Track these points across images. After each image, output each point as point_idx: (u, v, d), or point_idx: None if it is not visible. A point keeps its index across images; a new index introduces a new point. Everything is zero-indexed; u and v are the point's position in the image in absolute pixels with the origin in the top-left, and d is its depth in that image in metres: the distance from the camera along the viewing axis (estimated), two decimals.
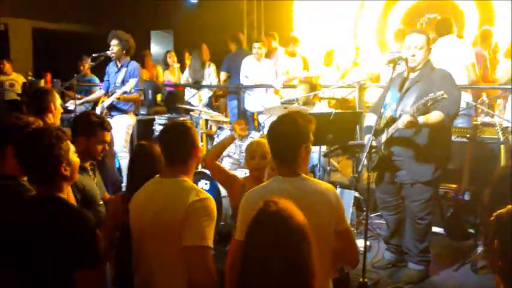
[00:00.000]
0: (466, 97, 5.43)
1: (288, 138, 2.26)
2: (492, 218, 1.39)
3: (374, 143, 3.73)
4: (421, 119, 3.39)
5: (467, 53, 5.40)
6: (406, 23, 8.36)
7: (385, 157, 3.75)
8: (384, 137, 3.70)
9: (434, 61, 3.84)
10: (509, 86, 5.17)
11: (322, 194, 2.20)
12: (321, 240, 1.97)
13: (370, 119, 3.93)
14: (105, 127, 3.02)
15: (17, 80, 8.24)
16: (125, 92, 5.21)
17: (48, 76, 7.35)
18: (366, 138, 3.70)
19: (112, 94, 5.33)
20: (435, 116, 3.45)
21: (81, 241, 1.95)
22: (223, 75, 7.18)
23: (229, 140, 3.36)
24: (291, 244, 1.50)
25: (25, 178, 2.39)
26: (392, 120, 3.64)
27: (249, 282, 1.52)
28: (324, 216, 2.16)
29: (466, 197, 4.19)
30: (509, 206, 1.41)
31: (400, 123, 3.42)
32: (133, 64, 5.51)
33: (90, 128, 2.94)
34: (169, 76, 7.82)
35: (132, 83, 5.20)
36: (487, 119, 5.42)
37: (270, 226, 1.52)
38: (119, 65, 5.51)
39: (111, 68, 5.64)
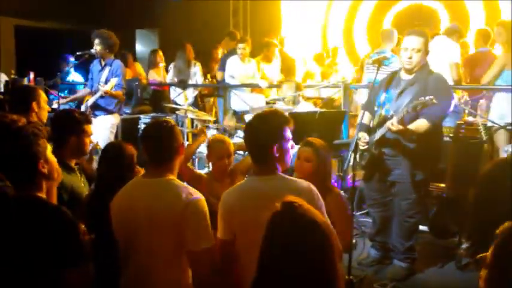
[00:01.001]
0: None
1: (259, 138, 2.26)
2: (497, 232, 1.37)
3: (366, 139, 3.76)
4: (411, 127, 3.45)
5: (452, 52, 5.47)
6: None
7: (376, 156, 3.77)
8: (376, 136, 3.73)
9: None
10: (493, 87, 5.24)
11: (298, 192, 2.16)
12: None
13: (364, 117, 3.93)
14: (89, 120, 3.09)
15: (1, 79, 8.12)
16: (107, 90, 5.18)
17: (32, 74, 7.25)
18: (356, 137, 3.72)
19: (95, 93, 5.30)
20: (420, 124, 3.50)
21: (62, 240, 1.91)
22: (219, 75, 7.14)
23: (200, 142, 3.40)
24: (316, 246, 1.47)
25: None
26: (385, 120, 3.66)
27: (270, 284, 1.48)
28: None
29: (450, 195, 4.24)
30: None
31: (389, 125, 3.46)
32: (117, 63, 5.49)
33: (78, 126, 2.96)
34: (155, 75, 7.78)
35: (113, 81, 5.19)
36: (470, 119, 5.49)
37: (293, 226, 1.48)
38: (103, 64, 5.48)
39: (94, 66, 5.61)
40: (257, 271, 1.51)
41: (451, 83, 5.30)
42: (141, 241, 2.26)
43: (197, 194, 2.23)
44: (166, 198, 2.22)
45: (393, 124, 3.44)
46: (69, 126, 2.93)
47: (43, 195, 2.06)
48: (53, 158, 2.11)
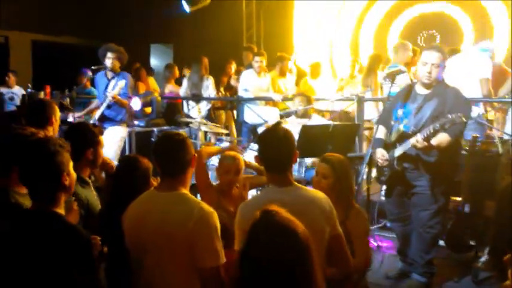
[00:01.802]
0: (478, 110, 5.43)
1: (283, 147, 2.31)
2: None
3: (386, 157, 3.74)
4: (434, 142, 3.43)
5: (484, 67, 5.40)
6: (404, 37, 8.39)
7: (398, 171, 3.76)
8: (396, 152, 3.71)
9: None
10: (509, 99, 5.20)
11: (316, 201, 2.26)
12: (316, 247, 2.04)
13: (380, 132, 3.95)
14: (102, 132, 3.15)
15: (18, 93, 8.25)
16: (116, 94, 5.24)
17: (48, 88, 7.35)
18: (370, 151, 3.71)
19: (102, 104, 5.37)
20: (443, 139, 3.47)
21: (74, 259, 1.92)
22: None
23: (221, 150, 3.41)
24: (295, 253, 1.48)
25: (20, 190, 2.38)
26: (404, 135, 3.65)
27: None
28: (319, 224, 2.22)
29: (466, 208, 4.18)
30: None
31: (413, 141, 3.44)
32: (124, 73, 5.57)
33: (94, 137, 2.97)
34: (172, 88, 7.86)
35: (121, 84, 5.25)
36: (486, 132, 5.43)
37: (272, 236, 1.50)
38: (110, 76, 5.53)
39: (100, 80, 5.66)
40: (237, 279, 1.52)
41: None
42: (151, 256, 2.24)
43: (209, 209, 2.22)
44: (176, 212, 2.21)
45: (418, 141, 3.42)
46: (86, 139, 2.95)
47: (61, 210, 2.07)
48: (73, 172, 2.13)
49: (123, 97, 5.37)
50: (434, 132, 3.40)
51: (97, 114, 5.41)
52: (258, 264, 1.49)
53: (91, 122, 5.42)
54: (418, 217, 3.85)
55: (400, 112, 3.79)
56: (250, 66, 7.11)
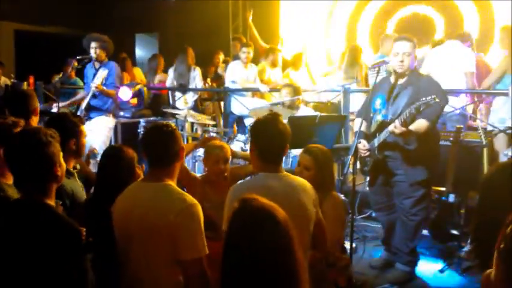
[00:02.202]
0: (461, 102, 5.49)
1: (277, 137, 2.36)
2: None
3: (367, 147, 3.77)
4: (411, 127, 3.48)
5: (468, 60, 5.46)
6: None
7: (379, 160, 3.80)
8: (376, 142, 3.75)
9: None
10: (492, 91, 5.26)
11: (304, 188, 2.36)
12: (304, 231, 2.21)
13: (357, 124, 4.01)
14: (83, 121, 3.17)
15: (1, 84, 8.11)
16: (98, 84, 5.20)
17: (31, 79, 7.25)
18: (356, 142, 3.75)
19: (88, 94, 5.32)
20: (421, 124, 3.55)
21: (64, 250, 1.91)
22: None
23: (201, 144, 3.46)
24: (275, 239, 1.49)
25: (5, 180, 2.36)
26: (383, 125, 3.70)
27: (231, 280, 1.50)
28: (308, 208, 2.30)
29: (450, 199, 4.24)
30: None
31: (391, 128, 3.49)
32: (111, 63, 5.52)
33: (75, 127, 2.97)
34: (162, 78, 7.81)
35: (103, 74, 5.22)
36: (470, 123, 5.50)
37: (252, 222, 1.51)
38: (97, 66, 5.49)
39: (88, 70, 5.62)
40: (221, 268, 1.52)
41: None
42: (136, 246, 2.24)
43: (192, 200, 2.21)
44: (159, 204, 2.21)
45: (396, 127, 3.47)
46: (68, 129, 2.92)
47: (52, 201, 2.05)
48: (63, 162, 2.12)
49: (110, 87, 5.32)
50: (411, 116, 3.46)
51: (83, 104, 5.37)
52: (238, 251, 1.49)
53: (78, 112, 5.38)
54: (402, 205, 3.90)
55: (377, 103, 3.87)
56: (238, 56, 7.09)
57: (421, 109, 3.38)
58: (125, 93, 5.63)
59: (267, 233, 1.49)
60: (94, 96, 5.27)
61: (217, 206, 2.93)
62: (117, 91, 5.44)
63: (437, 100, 3.33)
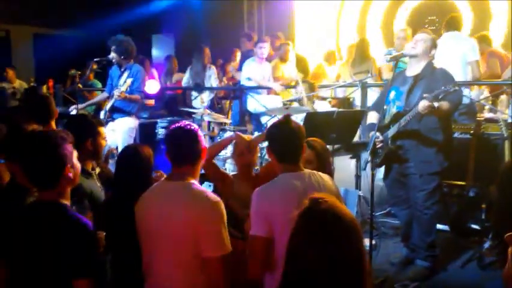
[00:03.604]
0: (469, 94, 5.43)
1: (291, 137, 2.40)
2: None
3: (380, 138, 3.78)
4: (436, 104, 3.47)
5: (470, 50, 5.39)
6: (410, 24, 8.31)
7: (392, 151, 3.79)
8: (390, 132, 3.75)
9: (436, 54, 3.91)
10: (510, 82, 5.16)
11: (328, 185, 2.38)
12: None
13: (372, 117, 3.99)
14: (102, 122, 3.19)
15: (20, 88, 8.25)
16: (125, 92, 5.23)
17: (51, 82, 7.36)
18: (370, 136, 3.74)
19: (113, 97, 5.36)
20: (446, 104, 3.56)
21: (78, 251, 1.93)
22: (238, 75, 7.16)
23: (228, 141, 3.40)
24: (348, 241, 1.45)
25: None
26: (400, 115, 3.70)
27: (298, 281, 1.45)
28: None
29: (471, 193, 4.18)
30: None
31: (420, 107, 3.48)
32: (136, 67, 5.53)
33: (93, 129, 3.01)
34: (179, 78, 7.87)
35: (128, 82, 5.24)
36: (490, 115, 5.40)
37: (326, 224, 1.46)
38: (122, 69, 5.53)
39: (114, 71, 5.66)
40: (285, 270, 1.48)
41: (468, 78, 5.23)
42: (159, 245, 2.26)
43: (215, 198, 2.23)
44: (182, 202, 2.23)
45: (424, 104, 3.45)
46: (85, 130, 2.97)
47: (67, 201, 2.08)
48: (77, 163, 2.14)
49: (135, 92, 5.35)
50: (434, 100, 3.48)
51: (107, 105, 5.42)
52: (310, 251, 1.44)
53: (101, 113, 5.47)
54: (415, 199, 3.88)
55: (391, 95, 3.87)
56: (246, 53, 7.10)
57: (440, 97, 3.42)
58: (153, 87, 5.70)
59: (339, 237, 1.45)
60: (117, 99, 5.31)
61: (246, 204, 2.94)
62: (141, 95, 5.49)
63: (456, 89, 3.40)
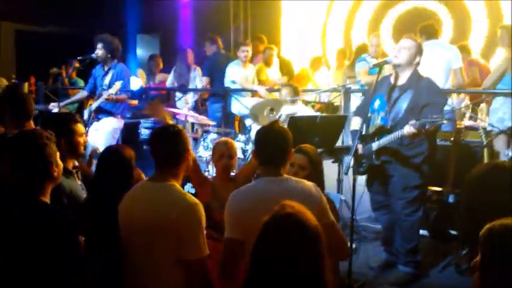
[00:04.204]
0: (451, 102, 5.51)
1: (281, 143, 2.37)
2: (484, 230, 1.37)
3: (360, 150, 3.78)
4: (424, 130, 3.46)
5: (453, 57, 5.46)
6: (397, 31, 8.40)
7: (376, 165, 3.80)
8: (374, 146, 3.75)
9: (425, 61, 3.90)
10: (493, 91, 5.25)
11: (307, 191, 2.31)
12: None
13: (355, 123, 4.01)
14: (76, 119, 3.08)
15: (0, 84, 8.11)
16: (112, 95, 5.19)
17: (32, 79, 7.26)
18: (352, 142, 3.76)
19: (99, 97, 5.31)
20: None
21: (63, 249, 1.93)
22: (205, 80, 7.09)
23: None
24: (308, 245, 1.48)
25: None
26: (384, 130, 3.70)
27: (260, 282, 1.49)
28: (312, 212, 2.19)
29: (450, 199, 4.24)
30: (504, 221, 1.38)
31: (405, 132, 3.47)
32: (121, 66, 5.49)
33: (65, 127, 2.95)
34: (163, 78, 7.82)
35: (117, 85, 5.19)
36: (470, 123, 5.49)
37: (288, 229, 1.50)
38: (106, 68, 5.48)
39: (97, 71, 5.61)
40: (249, 271, 1.52)
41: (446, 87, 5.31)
42: (138, 245, 2.26)
43: (193, 200, 2.22)
44: (161, 203, 2.22)
45: (409, 131, 3.45)
46: (57, 129, 2.93)
47: (47, 199, 2.08)
48: (60, 162, 2.15)
49: (122, 92, 5.32)
50: (406, 120, 3.51)
51: (93, 105, 5.38)
52: (269, 258, 1.49)
53: (85, 113, 5.42)
54: (394, 205, 3.91)
55: (376, 104, 3.85)
56: (212, 57, 7.09)
57: (427, 127, 3.37)
58: (135, 83, 5.67)
59: (301, 240, 1.48)
60: (104, 100, 5.26)
61: (224, 206, 2.95)
62: (128, 95, 5.45)
63: (444, 122, 3.39)
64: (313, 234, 1.50)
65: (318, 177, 2.93)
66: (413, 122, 3.42)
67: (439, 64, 5.35)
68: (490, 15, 7.79)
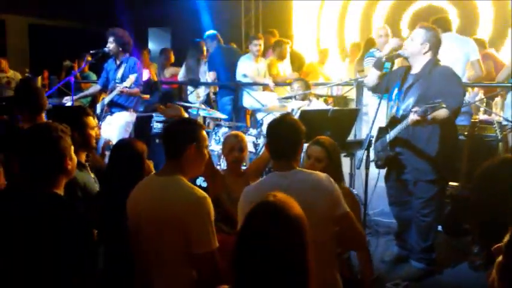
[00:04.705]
0: (470, 94, 5.41)
1: (292, 136, 2.35)
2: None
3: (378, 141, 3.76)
4: (429, 117, 3.35)
5: (471, 49, 5.34)
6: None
7: (391, 156, 3.78)
8: (388, 138, 3.72)
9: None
10: (508, 84, 5.17)
11: (316, 182, 2.26)
12: (319, 228, 2.07)
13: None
14: (88, 112, 3.10)
15: (15, 77, 8.19)
16: (126, 87, 5.21)
17: (46, 73, 7.32)
18: (369, 136, 3.71)
19: (112, 91, 5.33)
20: (440, 112, 3.41)
21: (77, 243, 1.94)
22: (211, 75, 7.02)
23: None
24: (287, 234, 1.48)
25: None
26: (395, 121, 3.66)
27: (243, 271, 1.50)
28: (321, 204, 2.20)
29: (464, 194, 4.19)
30: None
31: (410, 121, 3.40)
32: (133, 60, 5.51)
33: (76, 120, 2.96)
34: (174, 72, 7.83)
35: (132, 78, 5.22)
36: (485, 117, 5.42)
37: (267, 215, 1.51)
38: (118, 62, 5.50)
39: (110, 65, 5.64)
40: (233, 263, 1.52)
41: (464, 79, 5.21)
42: (147, 239, 2.26)
43: (201, 194, 2.21)
44: (169, 197, 2.22)
45: (412, 118, 3.36)
46: (69, 122, 2.95)
47: (61, 192, 2.09)
48: (74, 156, 2.16)
49: (135, 85, 5.34)
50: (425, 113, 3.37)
51: (106, 99, 5.40)
52: (250, 246, 1.50)
53: (98, 107, 5.45)
54: (413, 204, 3.87)
55: (395, 93, 3.82)
56: (213, 53, 7.06)
57: (428, 113, 3.28)
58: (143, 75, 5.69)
59: (277, 228, 1.48)
60: (117, 94, 5.29)
61: (235, 199, 2.95)
62: (140, 89, 5.48)
63: (443, 106, 3.24)
64: (294, 222, 1.50)
65: (335, 170, 2.89)
66: (416, 108, 3.35)
67: (458, 57, 5.24)
68: (497, 14, 7.68)
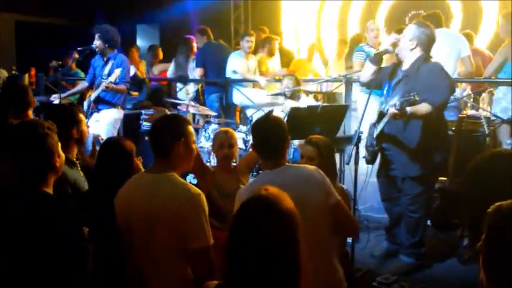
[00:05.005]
0: (459, 90, 5.44)
1: (278, 135, 2.39)
2: (490, 210, 1.36)
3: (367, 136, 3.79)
4: (408, 110, 3.39)
5: (462, 45, 5.37)
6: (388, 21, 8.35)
7: (376, 151, 3.81)
8: (375, 132, 3.75)
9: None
10: (494, 79, 5.22)
11: (307, 175, 2.32)
12: (317, 219, 2.17)
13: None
14: (81, 110, 3.19)
15: (1, 75, 8.08)
16: (111, 83, 5.17)
17: (33, 71, 7.23)
18: (358, 132, 3.74)
19: (98, 86, 5.29)
20: (421, 107, 3.45)
21: (65, 239, 1.92)
22: (198, 71, 7.00)
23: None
24: (278, 227, 1.49)
25: None
26: (382, 116, 3.69)
27: (235, 264, 1.50)
28: (315, 198, 2.26)
29: (452, 188, 4.23)
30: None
31: (389, 114, 3.44)
32: (121, 56, 5.48)
33: (75, 116, 3.01)
34: (163, 68, 7.79)
35: (117, 72, 5.18)
36: (473, 112, 5.46)
37: (259, 209, 1.52)
38: (105, 59, 5.46)
39: (97, 61, 5.59)
40: (225, 257, 1.53)
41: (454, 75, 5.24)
42: (139, 237, 2.25)
43: (195, 190, 2.21)
44: (162, 194, 2.21)
45: (392, 111, 3.38)
46: (69, 118, 2.96)
47: (50, 190, 2.08)
48: (62, 153, 2.14)
49: (121, 83, 5.30)
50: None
51: (92, 95, 5.36)
52: (243, 238, 1.50)
53: (85, 103, 5.41)
54: (402, 200, 3.91)
55: (385, 90, 3.86)
56: (203, 47, 7.03)
57: (403, 106, 3.31)
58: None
59: (269, 222, 1.49)
60: (103, 90, 5.25)
61: (226, 195, 2.96)
62: (126, 85, 5.44)
63: (416, 98, 3.28)
64: (286, 216, 1.51)
65: (328, 167, 2.90)
66: (393, 102, 3.38)
67: (449, 53, 5.27)
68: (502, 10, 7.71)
